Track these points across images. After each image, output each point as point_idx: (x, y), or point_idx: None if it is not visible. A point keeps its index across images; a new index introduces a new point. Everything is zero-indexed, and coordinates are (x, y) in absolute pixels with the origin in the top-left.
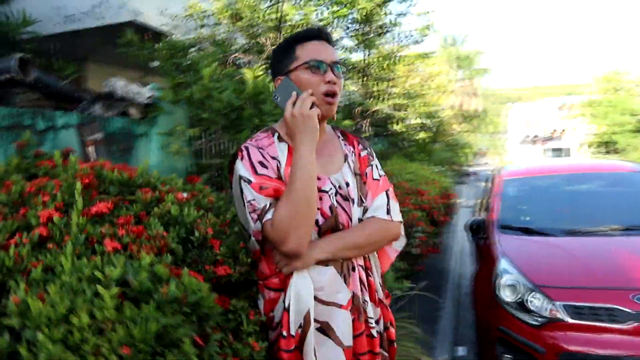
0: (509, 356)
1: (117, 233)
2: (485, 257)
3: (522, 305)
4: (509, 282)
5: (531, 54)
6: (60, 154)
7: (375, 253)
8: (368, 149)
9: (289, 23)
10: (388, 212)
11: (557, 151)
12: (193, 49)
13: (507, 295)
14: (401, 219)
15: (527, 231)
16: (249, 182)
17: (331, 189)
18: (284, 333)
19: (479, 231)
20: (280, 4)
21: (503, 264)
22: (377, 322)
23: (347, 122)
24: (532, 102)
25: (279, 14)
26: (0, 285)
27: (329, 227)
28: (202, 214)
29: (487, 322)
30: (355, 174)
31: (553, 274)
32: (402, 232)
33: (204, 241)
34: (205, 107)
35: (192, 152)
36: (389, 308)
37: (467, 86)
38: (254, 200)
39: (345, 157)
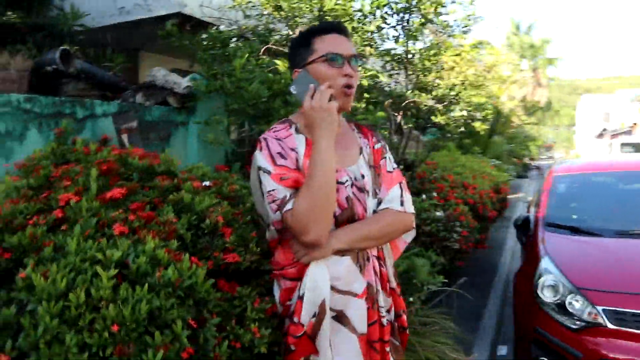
0: (544, 359)
1: (127, 218)
2: (528, 255)
3: (561, 307)
4: (549, 283)
5: (605, 43)
6: (98, 142)
7: (388, 244)
8: (382, 141)
9: (330, 13)
10: (402, 203)
11: (628, 146)
12: (235, 40)
13: (546, 296)
14: (414, 211)
15: (575, 230)
16: (269, 172)
17: (347, 180)
18: (295, 319)
19: (525, 228)
20: None
21: (545, 263)
22: (388, 311)
23: (380, 113)
24: (603, 94)
25: (319, 4)
26: (17, 262)
27: (346, 218)
28: (216, 203)
29: (525, 322)
30: (370, 166)
31: (596, 276)
32: (414, 224)
33: (214, 229)
34: (236, 98)
35: (233, 141)
36: (400, 296)
37: (532, 76)
38: (273, 190)
39: (361, 150)
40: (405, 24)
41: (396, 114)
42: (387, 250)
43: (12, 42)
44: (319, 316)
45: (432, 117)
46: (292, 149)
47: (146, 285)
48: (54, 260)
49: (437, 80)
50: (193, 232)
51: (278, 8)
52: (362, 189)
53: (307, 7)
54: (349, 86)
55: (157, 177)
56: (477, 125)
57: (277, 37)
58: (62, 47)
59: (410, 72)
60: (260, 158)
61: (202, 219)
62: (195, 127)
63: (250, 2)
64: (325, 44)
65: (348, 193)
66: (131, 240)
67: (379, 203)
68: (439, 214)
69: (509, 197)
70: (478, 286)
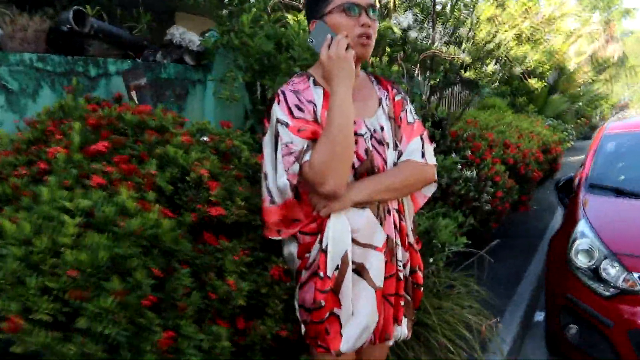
0: (574, 326)
1: (105, 170)
2: (567, 218)
3: (595, 273)
4: (583, 247)
5: None
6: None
7: (408, 197)
8: (402, 92)
9: None
10: (423, 155)
11: None
12: None
13: (580, 261)
14: (436, 162)
15: (619, 192)
16: (287, 125)
17: (366, 132)
18: (321, 274)
19: (568, 189)
20: None
21: (581, 226)
22: (404, 265)
23: (394, 68)
24: None
25: None
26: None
27: (365, 170)
28: (204, 157)
29: (555, 288)
30: (390, 118)
31: (635, 241)
32: (435, 177)
33: (199, 182)
34: (242, 53)
35: (255, 98)
36: (417, 251)
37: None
38: (291, 142)
39: (380, 101)
40: None
41: (414, 68)
42: (407, 204)
43: (40, 4)
44: (342, 268)
45: (462, 72)
46: (310, 101)
47: (110, 233)
48: (30, 208)
49: (472, 33)
50: (181, 185)
51: None
52: (381, 141)
53: None
54: (366, 36)
55: (147, 132)
56: (533, 82)
57: None
58: (75, 7)
59: (439, 24)
60: (278, 111)
61: (187, 173)
62: (211, 84)
63: None
64: None
65: (367, 145)
66: (109, 192)
67: (400, 155)
68: (469, 173)
69: (570, 159)
70: (520, 249)
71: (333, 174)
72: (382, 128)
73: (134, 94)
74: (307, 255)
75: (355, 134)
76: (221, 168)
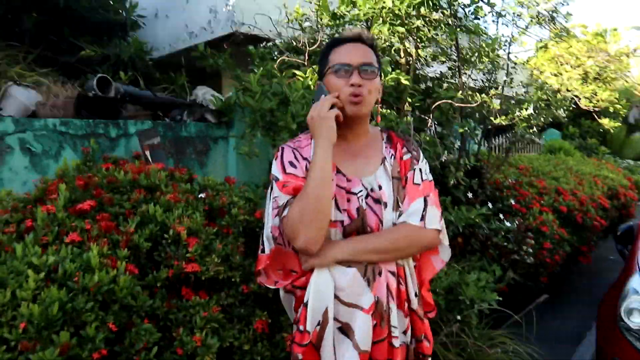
0: None
1: (83, 227)
2: (622, 271)
3: None
4: (634, 305)
5: None
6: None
7: (410, 261)
8: (413, 152)
9: (384, 14)
10: (423, 218)
11: None
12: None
13: (630, 321)
14: (439, 227)
15: None
16: (277, 180)
17: (361, 191)
18: (301, 327)
19: (627, 240)
20: None
21: (634, 282)
22: (404, 332)
23: (408, 118)
24: None
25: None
26: None
27: (355, 229)
28: (188, 214)
29: (604, 350)
30: (393, 178)
31: None
32: (446, 242)
33: (178, 239)
34: (249, 111)
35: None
36: (424, 320)
37: None
38: (277, 197)
39: (383, 160)
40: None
41: (427, 117)
42: (408, 268)
43: (85, 73)
44: (322, 325)
45: (492, 119)
46: (305, 158)
47: (66, 289)
48: (4, 263)
49: (504, 78)
50: (162, 242)
51: (334, 16)
52: (378, 201)
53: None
54: (355, 95)
55: (136, 190)
56: (605, 122)
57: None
58: (99, 75)
59: (465, 71)
60: (274, 166)
61: (167, 230)
62: (233, 140)
63: (305, 14)
64: (337, 55)
65: (360, 204)
66: (84, 248)
67: (400, 216)
68: (508, 224)
69: None
70: (583, 305)
71: (304, 230)
72: (380, 187)
73: (147, 152)
74: (300, 310)
75: (349, 192)
76: (206, 225)
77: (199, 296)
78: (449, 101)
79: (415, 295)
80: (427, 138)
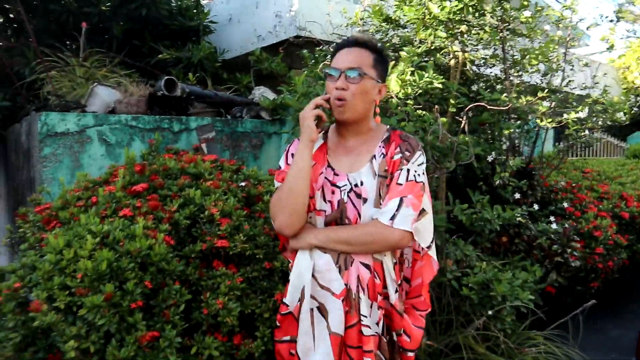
0: None
1: (136, 205)
2: None
3: None
4: None
5: None
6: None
7: (388, 257)
8: (405, 152)
9: (433, 19)
10: (393, 217)
11: None
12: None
13: None
14: (409, 229)
15: None
16: (278, 168)
17: (345, 185)
18: (284, 299)
19: None
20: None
21: None
22: (377, 323)
23: (443, 119)
24: None
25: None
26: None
27: (333, 219)
28: (225, 198)
29: None
30: (379, 175)
31: None
32: (403, 243)
33: (212, 219)
34: (292, 110)
35: None
36: (402, 315)
37: None
38: (275, 184)
39: (372, 158)
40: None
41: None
42: (387, 264)
43: (160, 74)
44: (300, 301)
45: (538, 122)
46: None
47: (112, 251)
48: (72, 229)
49: (558, 82)
50: (201, 220)
51: (387, 20)
52: (359, 196)
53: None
54: (339, 98)
55: (182, 177)
56: None
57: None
58: (166, 77)
59: (515, 73)
60: (282, 157)
61: (203, 211)
62: (285, 136)
63: (362, 19)
64: (333, 61)
65: (342, 197)
66: (134, 222)
67: None
68: (554, 226)
69: None
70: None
71: (279, 214)
72: (361, 183)
73: (204, 145)
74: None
75: (334, 185)
76: (239, 208)
77: (228, 269)
78: (482, 104)
79: (396, 291)
80: (466, 139)
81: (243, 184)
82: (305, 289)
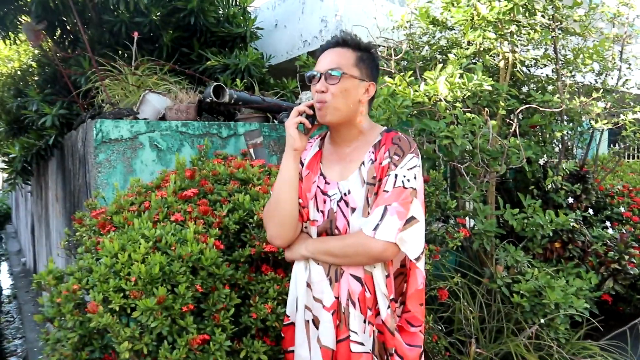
0: None
1: (186, 210)
2: None
3: None
4: None
5: None
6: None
7: (379, 269)
8: (394, 157)
9: (482, 21)
10: (375, 227)
11: None
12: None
13: None
14: (393, 239)
15: None
16: None
17: (336, 194)
18: (285, 310)
19: None
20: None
21: None
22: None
23: (493, 122)
24: None
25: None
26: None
27: (324, 229)
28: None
29: None
30: (367, 183)
31: None
32: (385, 255)
33: (261, 223)
34: None
35: None
36: (394, 334)
37: None
38: None
39: (360, 165)
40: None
41: (511, 121)
42: (377, 277)
43: (208, 80)
44: (296, 313)
45: (592, 123)
46: (304, 158)
47: (164, 255)
48: (126, 233)
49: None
50: (250, 225)
51: (434, 22)
52: (348, 204)
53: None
54: (319, 101)
55: (232, 182)
56: None
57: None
58: (215, 84)
59: (567, 73)
60: None
61: (252, 216)
62: None
63: (409, 21)
64: (317, 64)
65: (331, 206)
66: (185, 226)
67: None
68: (611, 231)
69: None
70: None
71: (268, 225)
72: (349, 192)
73: (251, 150)
74: None
75: (326, 194)
76: None
77: (277, 273)
78: (533, 105)
79: (388, 307)
80: (517, 142)
81: None
82: (299, 300)
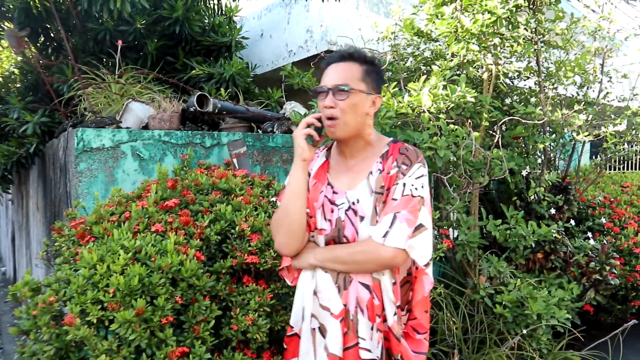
0: None
1: (167, 220)
2: None
3: None
4: None
5: None
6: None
7: (386, 276)
8: (402, 166)
9: (465, 34)
10: (385, 234)
11: None
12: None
13: None
14: (402, 246)
15: None
16: (283, 187)
17: (343, 203)
18: (290, 321)
19: None
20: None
21: None
22: (377, 346)
23: (476, 134)
24: None
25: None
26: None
27: (332, 238)
28: (256, 214)
29: None
30: (375, 192)
31: None
32: (395, 262)
33: (243, 234)
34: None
35: None
36: (400, 340)
37: None
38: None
39: (368, 175)
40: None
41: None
42: (386, 284)
43: (193, 89)
44: (302, 322)
45: (574, 135)
46: (311, 169)
47: (144, 266)
48: (106, 244)
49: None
50: (232, 236)
51: (419, 33)
52: (356, 213)
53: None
54: (327, 117)
55: (214, 192)
56: None
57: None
58: (199, 93)
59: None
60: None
61: (234, 227)
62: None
63: (393, 32)
64: (322, 78)
65: (339, 215)
66: (165, 237)
67: None
68: (592, 242)
69: None
70: None
71: (276, 234)
72: (358, 201)
73: (235, 160)
74: None
75: (333, 203)
76: (269, 224)
77: (258, 284)
78: (516, 117)
79: (394, 314)
80: (500, 153)
81: (274, 199)
82: (305, 309)
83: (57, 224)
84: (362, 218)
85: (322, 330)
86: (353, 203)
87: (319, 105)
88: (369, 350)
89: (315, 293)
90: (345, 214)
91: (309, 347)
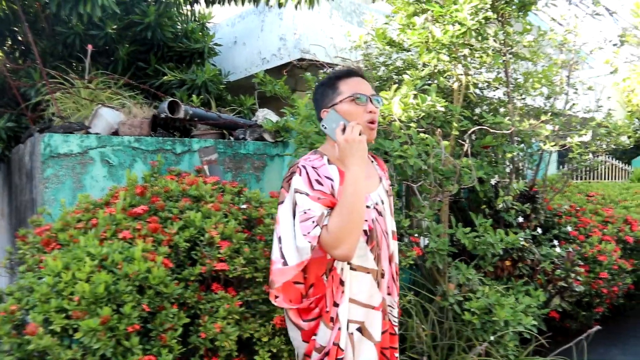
0: None
1: (136, 227)
2: None
3: None
4: None
5: None
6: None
7: (397, 260)
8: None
9: (436, 44)
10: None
11: None
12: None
13: None
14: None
15: None
16: (307, 194)
17: (371, 204)
18: (319, 342)
19: None
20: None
21: None
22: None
23: (445, 142)
24: None
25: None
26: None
27: (374, 236)
28: (225, 221)
29: None
30: (388, 194)
31: None
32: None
33: (212, 242)
34: (295, 132)
35: None
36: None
37: None
38: (309, 209)
39: (381, 178)
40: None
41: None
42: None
43: (164, 95)
44: (331, 334)
45: (541, 145)
46: (328, 177)
47: (110, 274)
48: (71, 251)
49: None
50: (201, 243)
51: (391, 43)
52: (381, 213)
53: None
54: (372, 121)
55: (183, 199)
56: None
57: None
58: (170, 99)
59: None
60: (299, 182)
61: (203, 234)
62: (288, 158)
63: (366, 42)
64: (350, 86)
65: (372, 216)
66: (133, 244)
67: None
68: (558, 250)
69: None
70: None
71: (346, 240)
72: (382, 201)
73: (206, 167)
74: (313, 337)
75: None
76: (239, 231)
77: (228, 292)
78: (485, 127)
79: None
80: (469, 162)
81: (244, 206)
82: (341, 320)
83: (21, 231)
84: (384, 216)
85: (362, 329)
86: (376, 204)
87: (357, 110)
88: (396, 325)
89: (352, 300)
90: (375, 213)
91: (350, 350)
